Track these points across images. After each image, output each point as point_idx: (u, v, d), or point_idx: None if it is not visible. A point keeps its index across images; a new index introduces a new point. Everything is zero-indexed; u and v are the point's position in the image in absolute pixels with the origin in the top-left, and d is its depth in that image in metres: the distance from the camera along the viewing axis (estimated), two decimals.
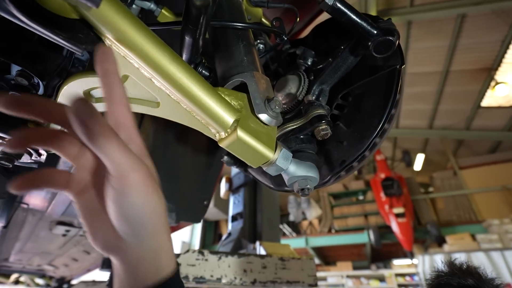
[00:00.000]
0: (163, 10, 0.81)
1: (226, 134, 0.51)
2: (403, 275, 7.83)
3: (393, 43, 0.58)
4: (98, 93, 0.57)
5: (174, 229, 1.32)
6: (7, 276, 2.90)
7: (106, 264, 1.35)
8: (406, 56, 6.12)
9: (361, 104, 0.64)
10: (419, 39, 5.76)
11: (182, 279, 1.36)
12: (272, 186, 0.78)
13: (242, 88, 0.58)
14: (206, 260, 1.39)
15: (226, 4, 0.68)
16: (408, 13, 5.27)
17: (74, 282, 2.74)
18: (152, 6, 0.81)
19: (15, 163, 0.72)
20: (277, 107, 0.54)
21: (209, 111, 0.49)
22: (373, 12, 5.10)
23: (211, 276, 1.34)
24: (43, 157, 0.74)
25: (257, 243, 1.76)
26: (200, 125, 0.53)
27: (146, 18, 0.90)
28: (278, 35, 0.76)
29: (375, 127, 0.59)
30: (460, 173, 7.35)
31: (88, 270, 2.31)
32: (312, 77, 0.72)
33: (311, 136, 0.65)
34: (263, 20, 0.86)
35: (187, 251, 1.44)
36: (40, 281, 3.06)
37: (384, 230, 7.31)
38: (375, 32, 0.57)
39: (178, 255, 1.40)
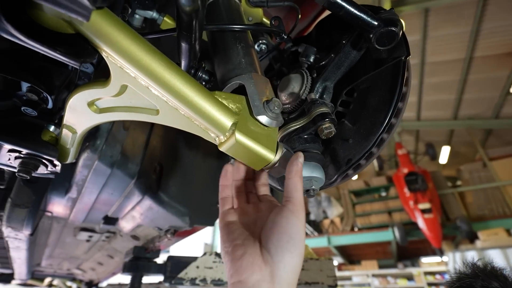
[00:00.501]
0: (165, 18, 0.82)
1: (225, 138, 0.51)
2: (432, 273, 7.51)
3: (396, 34, 0.55)
4: (102, 103, 0.58)
5: (189, 232, 1.34)
6: (41, 280, 3.08)
7: (126, 268, 1.40)
8: (424, 45, 5.88)
9: (366, 100, 0.61)
10: (438, 27, 5.51)
11: (200, 281, 1.38)
12: (279, 187, 0.77)
13: (242, 90, 0.58)
14: (223, 262, 1.39)
15: (223, 7, 0.68)
16: (425, 1, 5.05)
17: (102, 284, 2.86)
18: (154, 14, 0.82)
19: (32, 174, 0.75)
20: (276, 108, 0.53)
21: (206, 115, 0.49)
22: (387, 3, 4.93)
23: None
24: (58, 168, 0.77)
25: None
26: (200, 130, 0.53)
27: (151, 27, 0.93)
28: (277, 34, 0.75)
29: (381, 122, 0.56)
30: (491, 164, 6.93)
31: (113, 273, 2.40)
32: (315, 75, 0.70)
33: (315, 136, 0.63)
34: (265, 20, 0.85)
35: (205, 254, 1.45)
36: (71, 284, 3.21)
37: (409, 227, 7.05)
38: (376, 23, 0.55)
39: (195, 258, 1.42)
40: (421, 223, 6.44)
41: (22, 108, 0.64)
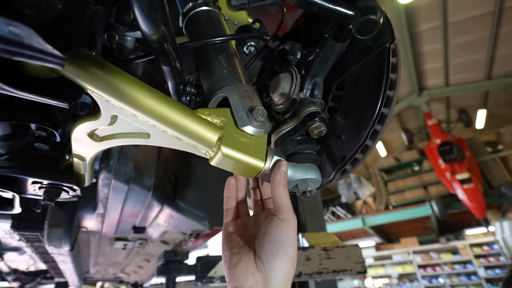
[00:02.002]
0: None
1: (214, 153, 0.53)
2: (479, 245, 7.14)
3: (376, 22, 0.52)
4: (100, 133, 0.62)
5: (211, 234, 1.39)
6: (93, 284, 3.38)
7: (160, 272, 1.49)
8: (445, 4, 5.45)
9: (356, 92, 0.59)
10: None
11: None
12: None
13: (228, 102, 0.59)
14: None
15: (203, 19, 0.68)
16: None
17: (146, 285, 3.07)
18: None
19: (57, 200, 0.82)
20: (260, 116, 0.54)
21: (191, 134, 0.51)
22: None
23: None
24: (78, 191, 0.83)
25: (299, 235, 1.76)
26: (190, 147, 0.55)
27: (145, 45, 0.95)
28: (259, 38, 0.74)
29: (371, 116, 0.54)
30: None
31: (153, 275, 2.57)
32: (304, 72, 0.69)
33: (308, 136, 0.62)
34: (250, 20, 0.84)
35: None
36: (120, 286, 3.48)
37: (448, 199, 6.72)
38: (353, 13, 0.53)
39: None
40: (461, 194, 6.11)
41: (35, 144, 0.70)
